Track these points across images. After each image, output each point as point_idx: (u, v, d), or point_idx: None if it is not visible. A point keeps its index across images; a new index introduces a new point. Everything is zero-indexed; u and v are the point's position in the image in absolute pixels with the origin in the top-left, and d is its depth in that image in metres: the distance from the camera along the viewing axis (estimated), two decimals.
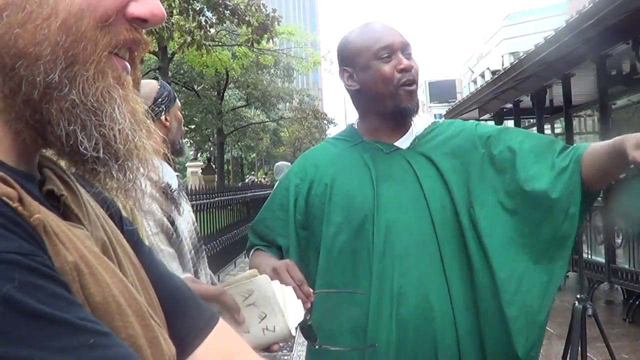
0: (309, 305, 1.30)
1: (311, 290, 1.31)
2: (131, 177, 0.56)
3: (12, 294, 0.40)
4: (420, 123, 1.61)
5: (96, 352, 0.43)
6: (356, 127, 1.65)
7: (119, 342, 0.47)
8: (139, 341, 0.51)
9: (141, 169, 0.56)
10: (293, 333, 1.02)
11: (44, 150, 0.58)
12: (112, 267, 0.53)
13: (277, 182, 1.70)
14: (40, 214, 0.47)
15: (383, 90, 1.49)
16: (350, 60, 1.55)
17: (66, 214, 0.55)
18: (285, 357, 5.09)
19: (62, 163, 0.60)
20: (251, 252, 1.63)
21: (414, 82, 1.49)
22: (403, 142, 1.57)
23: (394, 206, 1.48)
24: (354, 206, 1.50)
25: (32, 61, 0.50)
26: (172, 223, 1.54)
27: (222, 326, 0.76)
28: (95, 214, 0.60)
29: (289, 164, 10.08)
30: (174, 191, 1.62)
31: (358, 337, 1.44)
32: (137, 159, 0.55)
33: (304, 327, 1.27)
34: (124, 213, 0.74)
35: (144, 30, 0.58)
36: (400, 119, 1.54)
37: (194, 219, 1.74)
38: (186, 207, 1.70)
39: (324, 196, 1.53)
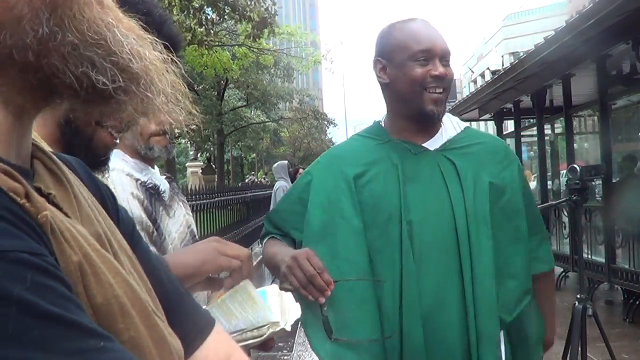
0: (329, 293, 1.32)
1: (331, 279, 1.33)
2: (157, 90, 0.53)
3: (24, 295, 0.39)
4: (450, 126, 1.62)
5: (106, 355, 0.42)
6: (383, 125, 1.64)
7: (120, 346, 0.46)
8: (142, 342, 0.49)
9: (157, 84, 0.53)
10: (287, 329, 1.02)
11: (34, 139, 0.55)
12: (115, 266, 0.51)
13: (302, 174, 1.71)
14: (47, 211, 0.46)
15: (409, 91, 1.51)
16: (388, 53, 1.55)
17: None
18: (285, 357, 5.09)
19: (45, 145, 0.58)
20: (265, 240, 1.66)
21: (443, 89, 1.50)
22: (432, 144, 1.58)
23: (419, 207, 1.49)
24: (379, 205, 1.50)
25: (15, 26, 0.46)
26: (154, 222, 1.52)
27: (220, 329, 0.75)
28: (88, 206, 0.57)
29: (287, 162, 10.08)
30: (163, 193, 1.60)
31: (374, 331, 1.45)
32: (154, 74, 0.53)
33: (322, 320, 1.30)
34: (120, 202, 0.71)
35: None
36: (424, 121, 1.54)
37: (191, 222, 1.71)
38: (180, 210, 1.67)
39: (350, 193, 1.54)
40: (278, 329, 1.01)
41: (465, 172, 1.52)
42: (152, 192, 1.54)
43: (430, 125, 1.57)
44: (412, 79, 1.49)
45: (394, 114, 1.61)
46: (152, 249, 1.50)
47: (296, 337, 5.59)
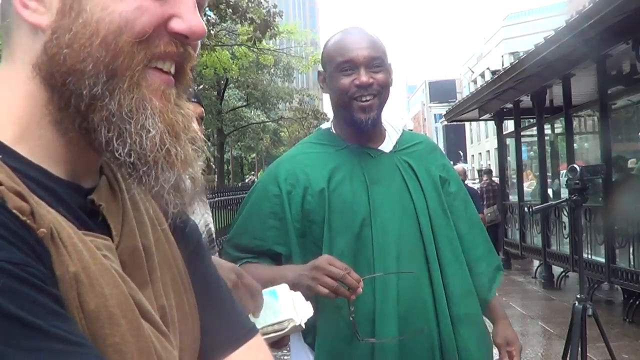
0: (360, 290, 1.36)
1: (359, 277, 1.37)
2: (159, 181, 0.59)
3: None
4: (391, 130, 1.69)
5: (59, 357, 0.47)
6: (334, 132, 1.67)
7: (93, 352, 0.50)
8: (125, 349, 0.54)
9: (171, 175, 0.60)
10: (302, 326, 1.04)
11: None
12: (115, 279, 0.55)
13: (255, 190, 1.65)
14: (52, 225, 0.51)
15: (340, 101, 1.57)
16: (323, 65, 1.64)
17: (105, 221, 0.61)
18: (286, 357, 5.08)
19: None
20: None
21: (374, 95, 1.54)
22: (385, 147, 1.65)
23: (386, 209, 1.55)
24: (351, 210, 1.53)
25: (79, 77, 0.56)
26: None
27: (256, 344, 0.77)
28: (141, 221, 0.65)
29: None
30: (184, 192, 1.63)
31: (364, 333, 1.46)
32: (166, 165, 0.59)
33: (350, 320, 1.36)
34: (194, 217, 0.79)
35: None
36: (358, 128, 1.58)
37: (209, 221, 1.74)
38: (199, 210, 1.70)
39: (322, 201, 1.54)
40: (296, 324, 1.02)
41: (420, 170, 1.62)
42: None
43: (372, 130, 1.60)
44: (339, 90, 1.55)
45: (341, 121, 1.65)
46: None
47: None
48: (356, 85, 1.52)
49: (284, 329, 1.02)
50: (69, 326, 0.49)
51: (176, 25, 0.59)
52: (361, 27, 1.66)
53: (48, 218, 0.52)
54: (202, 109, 1.88)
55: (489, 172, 12.37)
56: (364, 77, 1.52)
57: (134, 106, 0.57)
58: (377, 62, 1.55)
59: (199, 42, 0.64)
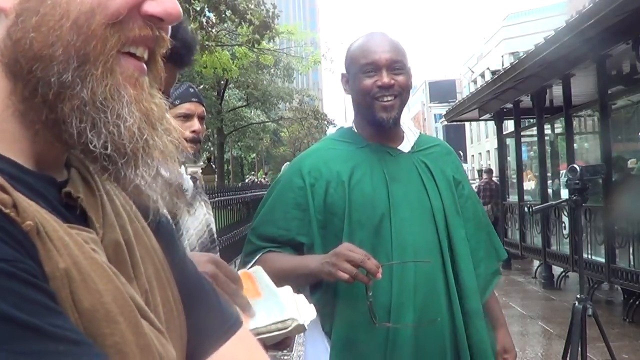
0: (379, 276, 1.42)
1: (379, 263, 1.43)
2: (138, 173, 0.56)
3: None
4: (409, 132, 1.78)
5: (65, 359, 0.44)
6: (356, 130, 1.75)
7: (95, 351, 0.47)
8: (125, 348, 0.51)
9: (150, 167, 0.56)
10: (306, 326, 1.04)
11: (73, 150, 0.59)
12: (108, 274, 0.52)
13: (279, 182, 1.73)
14: (36, 219, 0.48)
15: (361, 101, 1.67)
16: (347, 67, 1.72)
17: (85, 215, 0.57)
18: (285, 357, 5.08)
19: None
20: (260, 255, 1.64)
21: (395, 96, 1.63)
22: (404, 147, 1.73)
23: (405, 206, 1.62)
24: (372, 205, 1.60)
25: (47, 63, 0.51)
26: (174, 217, 1.55)
27: (243, 335, 0.75)
28: (117, 214, 0.61)
29: None
30: (186, 191, 1.64)
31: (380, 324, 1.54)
32: (146, 157, 0.56)
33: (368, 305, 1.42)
34: (163, 210, 0.74)
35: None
36: (379, 128, 1.67)
37: (211, 221, 1.75)
38: (201, 210, 1.72)
39: (343, 194, 1.61)
40: (299, 323, 1.02)
41: (436, 170, 1.70)
42: (175, 191, 1.57)
43: (392, 130, 1.70)
44: (362, 90, 1.64)
45: (362, 121, 1.73)
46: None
47: (296, 337, 5.59)
48: (378, 86, 1.61)
49: (287, 328, 1.01)
50: (67, 323, 0.46)
51: (150, 7, 0.56)
52: (384, 32, 1.74)
53: (31, 211, 0.48)
54: (203, 109, 1.89)
55: (489, 171, 12.40)
56: (385, 79, 1.61)
57: (108, 94, 0.53)
58: (398, 65, 1.64)
59: (175, 27, 0.61)
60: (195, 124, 1.83)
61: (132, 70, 0.56)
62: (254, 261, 1.64)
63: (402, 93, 1.64)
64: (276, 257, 1.62)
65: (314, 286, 1.62)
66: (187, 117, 1.82)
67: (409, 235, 1.59)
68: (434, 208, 1.64)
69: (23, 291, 0.43)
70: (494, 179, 11.85)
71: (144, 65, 0.58)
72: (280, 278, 1.55)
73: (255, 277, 1.08)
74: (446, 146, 1.87)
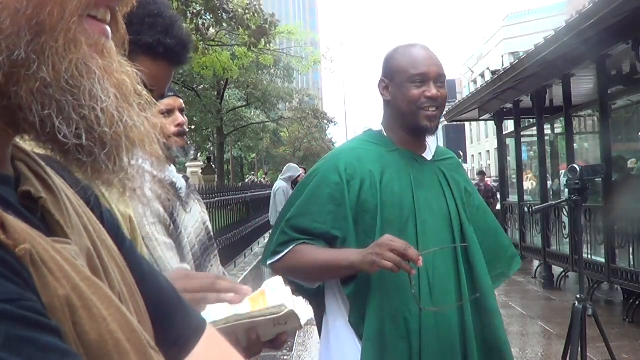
0: (421, 263, 1.53)
1: (419, 252, 1.54)
2: (123, 164, 0.47)
3: None
4: (430, 141, 1.89)
5: None
6: (385, 134, 1.85)
7: None
8: None
9: (134, 153, 0.48)
10: (302, 324, 1.03)
11: (17, 139, 0.50)
12: (108, 295, 0.46)
13: (315, 176, 1.79)
14: (27, 239, 0.41)
15: (407, 109, 1.75)
16: (390, 74, 1.80)
17: (46, 219, 0.48)
18: (285, 357, 5.09)
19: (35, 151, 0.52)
20: (293, 246, 1.72)
21: (437, 107, 1.75)
22: (427, 155, 1.85)
23: (427, 210, 1.74)
24: (399, 205, 1.71)
25: None
26: (171, 215, 1.55)
27: (211, 334, 0.69)
28: (77, 213, 0.53)
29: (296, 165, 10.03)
30: (180, 189, 1.64)
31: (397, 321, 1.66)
32: (128, 142, 0.46)
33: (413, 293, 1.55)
34: (103, 202, 0.66)
35: None
36: (419, 135, 1.80)
37: (206, 219, 1.76)
38: (196, 208, 1.73)
39: (375, 193, 1.70)
40: (292, 310, 1.01)
41: (452, 180, 1.83)
42: (168, 188, 1.57)
43: (424, 138, 1.83)
44: (409, 99, 1.73)
45: (395, 126, 1.82)
46: (169, 241, 1.54)
47: (296, 337, 5.59)
48: (426, 96, 1.72)
49: (280, 312, 0.99)
50: None
51: None
52: (425, 45, 1.85)
53: (21, 230, 0.41)
54: (182, 101, 1.90)
55: (481, 173, 12.51)
56: (434, 91, 1.72)
57: (74, 71, 0.43)
58: (442, 79, 1.77)
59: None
60: (179, 117, 1.83)
61: (97, 36, 0.46)
62: (286, 251, 1.72)
63: (442, 105, 1.77)
64: (311, 249, 1.70)
65: (346, 279, 1.70)
66: (168, 112, 1.82)
67: (431, 238, 1.69)
68: (452, 214, 1.76)
69: (37, 338, 0.37)
70: (486, 180, 11.94)
71: (108, 28, 0.48)
72: (313, 268, 1.72)
73: (265, 292, 1.06)
74: (457, 159, 2.00)
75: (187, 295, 0.87)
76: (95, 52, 0.45)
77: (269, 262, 1.79)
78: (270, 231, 2.18)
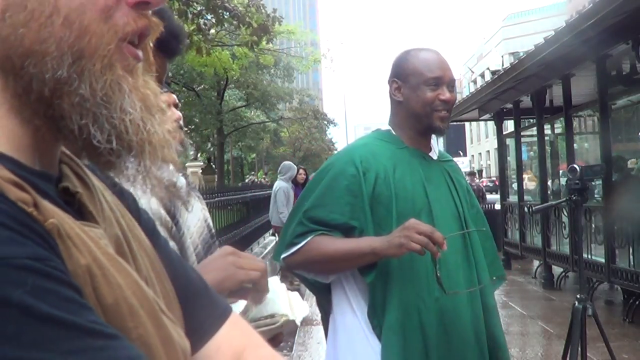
0: (445, 247, 1.58)
1: (443, 235, 1.59)
2: (146, 166, 0.56)
3: (24, 298, 0.41)
4: (434, 143, 1.97)
5: (106, 353, 0.45)
6: (394, 134, 1.91)
7: (128, 343, 0.48)
8: (150, 340, 0.52)
9: (155, 157, 0.56)
10: (298, 323, 1.04)
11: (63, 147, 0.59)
12: (125, 268, 0.53)
13: (330, 170, 1.85)
14: (55, 217, 0.48)
15: (420, 111, 1.83)
16: (404, 76, 1.86)
17: (81, 210, 0.56)
18: (285, 357, 5.09)
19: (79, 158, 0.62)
20: (310, 237, 1.75)
21: (447, 110, 1.84)
22: (433, 155, 1.93)
23: (437, 205, 1.81)
24: (412, 199, 1.78)
25: (40, 59, 0.50)
26: (173, 217, 1.54)
27: (235, 320, 0.77)
28: (110, 209, 0.61)
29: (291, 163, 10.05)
30: (180, 188, 1.64)
31: (410, 312, 1.71)
32: (150, 148, 0.55)
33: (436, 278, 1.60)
34: (140, 204, 0.75)
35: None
36: (430, 135, 1.89)
37: (207, 216, 1.76)
38: (197, 205, 1.73)
39: (389, 186, 1.77)
40: (290, 319, 1.02)
41: (456, 180, 1.92)
42: (168, 188, 1.57)
43: (430, 138, 1.91)
44: (424, 101, 1.81)
45: (405, 126, 1.89)
46: (172, 243, 1.54)
47: (296, 337, 5.59)
48: (440, 99, 1.80)
49: (275, 324, 1.00)
50: (99, 318, 0.47)
51: None
52: (437, 50, 1.92)
53: (50, 209, 0.49)
54: (175, 97, 1.91)
55: (472, 174, 12.62)
56: (448, 94, 1.81)
57: (108, 89, 0.52)
58: (453, 83, 1.85)
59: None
60: (175, 113, 1.84)
61: (130, 59, 0.55)
62: (304, 242, 1.75)
63: (452, 108, 1.87)
64: (330, 239, 1.74)
65: (366, 268, 1.73)
66: None
67: (444, 230, 1.72)
68: (459, 212, 1.85)
69: (59, 290, 0.44)
70: (476, 180, 12.00)
71: (140, 53, 0.57)
72: (334, 258, 1.75)
73: None
74: (456, 163, 2.09)
75: (239, 271, 1.00)
76: (126, 72, 0.54)
77: (282, 257, 1.80)
78: (271, 231, 2.22)
